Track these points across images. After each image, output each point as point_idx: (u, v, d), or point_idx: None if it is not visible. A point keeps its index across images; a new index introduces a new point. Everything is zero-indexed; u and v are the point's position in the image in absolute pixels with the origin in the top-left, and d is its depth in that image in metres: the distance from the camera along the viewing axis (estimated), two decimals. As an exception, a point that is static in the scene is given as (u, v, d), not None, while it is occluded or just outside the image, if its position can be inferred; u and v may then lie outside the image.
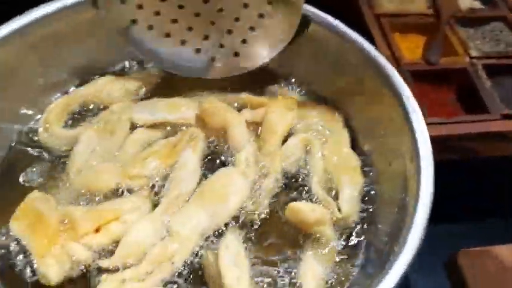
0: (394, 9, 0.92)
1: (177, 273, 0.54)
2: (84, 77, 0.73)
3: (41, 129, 0.67)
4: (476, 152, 0.79)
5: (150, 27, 0.70)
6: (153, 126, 0.68)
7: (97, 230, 0.58)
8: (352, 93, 0.68)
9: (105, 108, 0.70)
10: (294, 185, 0.63)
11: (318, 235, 0.57)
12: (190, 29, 0.70)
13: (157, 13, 0.69)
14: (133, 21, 0.69)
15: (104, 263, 0.55)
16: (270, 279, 0.55)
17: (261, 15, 0.67)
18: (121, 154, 0.65)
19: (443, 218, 0.63)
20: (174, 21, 0.70)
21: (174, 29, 0.70)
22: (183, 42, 0.71)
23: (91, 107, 0.71)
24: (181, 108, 0.69)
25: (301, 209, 0.57)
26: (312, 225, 0.57)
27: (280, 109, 0.68)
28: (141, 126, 0.68)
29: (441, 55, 0.85)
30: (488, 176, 0.81)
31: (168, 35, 0.71)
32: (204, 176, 0.63)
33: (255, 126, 0.68)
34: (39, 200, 0.58)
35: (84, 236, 0.57)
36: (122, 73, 0.75)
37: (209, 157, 0.66)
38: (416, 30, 0.92)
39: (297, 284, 0.54)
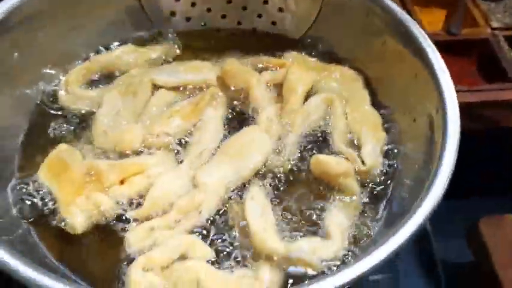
0: (415, -18, 0.92)
1: (208, 222, 0.55)
2: (104, 44, 0.74)
3: (61, 91, 0.68)
4: (497, 122, 0.79)
5: (188, 19, 0.76)
6: (174, 88, 0.69)
7: (121, 183, 0.58)
8: (374, 53, 0.67)
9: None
10: (316, 141, 0.63)
11: (342, 187, 0.57)
12: (224, 16, 0.76)
13: (193, 4, 0.75)
14: (172, 13, 0.75)
15: (132, 214, 0.55)
16: (295, 229, 0.55)
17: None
18: (144, 115, 0.66)
19: (464, 187, 0.63)
20: (209, 10, 0.76)
21: (209, 18, 0.76)
22: (218, 30, 0.77)
23: (109, 73, 0.71)
24: (202, 70, 0.70)
25: (326, 161, 0.57)
26: (336, 177, 0.57)
27: (300, 69, 0.68)
28: (162, 88, 0.68)
29: (462, 26, 0.85)
30: (508, 146, 0.81)
31: (204, 24, 0.77)
32: (227, 135, 0.64)
33: (275, 87, 0.69)
34: (66, 152, 0.59)
35: (109, 188, 0.57)
36: (141, 42, 0.75)
37: (231, 118, 0.66)
38: (436, 3, 0.92)
39: (320, 232, 0.54)
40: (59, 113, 0.67)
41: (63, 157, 0.58)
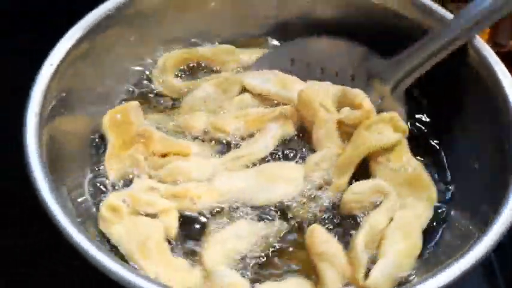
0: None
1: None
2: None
3: (155, 75, 0.73)
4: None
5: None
6: (259, 96, 0.70)
7: (164, 156, 0.64)
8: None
9: (217, 72, 0.74)
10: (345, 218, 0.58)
11: (319, 273, 0.52)
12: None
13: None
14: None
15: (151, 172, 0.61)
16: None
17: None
18: (220, 110, 0.69)
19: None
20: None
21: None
22: None
23: (198, 66, 0.75)
24: (292, 87, 0.69)
25: (316, 233, 0.53)
26: (315, 255, 0.52)
27: (379, 126, 0.61)
28: (249, 92, 0.70)
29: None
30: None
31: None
32: (273, 155, 0.64)
33: (351, 128, 0.63)
34: (134, 109, 0.66)
35: (151, 155, 0.63)
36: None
37: (290, 143, 0.66)
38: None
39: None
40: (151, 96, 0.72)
41: (129, 111, 0.65)
